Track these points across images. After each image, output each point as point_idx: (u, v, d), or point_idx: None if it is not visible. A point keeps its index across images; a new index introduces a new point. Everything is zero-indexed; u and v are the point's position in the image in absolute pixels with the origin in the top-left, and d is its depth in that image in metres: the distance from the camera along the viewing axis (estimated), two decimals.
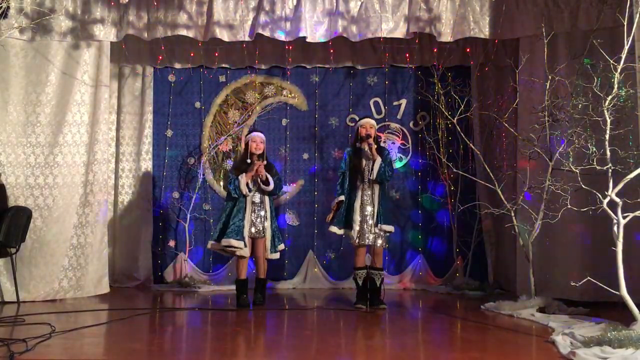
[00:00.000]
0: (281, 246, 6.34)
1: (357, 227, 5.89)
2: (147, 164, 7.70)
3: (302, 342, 4.64)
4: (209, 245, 6.32)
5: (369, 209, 5.93)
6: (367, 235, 5.89)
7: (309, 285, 7.52)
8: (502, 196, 6.19)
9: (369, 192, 5.97)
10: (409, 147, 7.74)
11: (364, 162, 6.00)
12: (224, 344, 4.65)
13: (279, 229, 6.49)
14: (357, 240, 5.91)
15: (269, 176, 6.12)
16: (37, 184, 6.54)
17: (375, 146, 5.99)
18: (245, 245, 6.07)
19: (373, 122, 6.20)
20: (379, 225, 5.89)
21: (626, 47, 4.72)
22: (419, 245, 7.65)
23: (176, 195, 7.76)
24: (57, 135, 6.66)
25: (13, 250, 6.21)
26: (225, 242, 6.03)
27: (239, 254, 6.11)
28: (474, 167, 7.36)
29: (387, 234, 6.04)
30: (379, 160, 5.90)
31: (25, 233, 6.30)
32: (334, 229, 6.03)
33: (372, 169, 5.91)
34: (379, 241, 5.92)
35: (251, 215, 6.13)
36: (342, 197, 6.01)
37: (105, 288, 6.96)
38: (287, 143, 7.82)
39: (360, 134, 6.07)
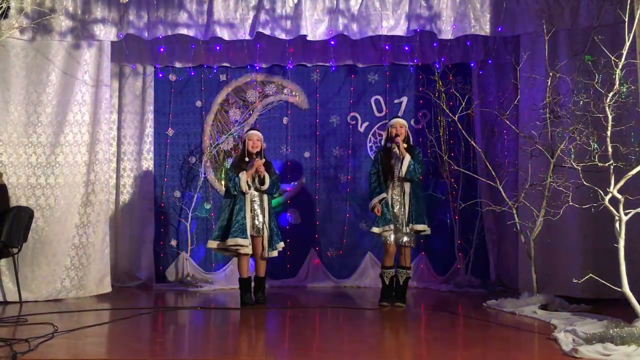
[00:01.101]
0: (281, 244, 6.29)
1: (391, 226, 5.90)
2: (148, 163, 7.70)
3: (304, 341, 4.64)
4: (210, 245, 6.28)
5: (399, 207, 5.94)
6: (399, 234, 5.91)
7: (311, 283, 7.52)
8: (503, 193, 6.19)
9: (400, 191, 5.97)
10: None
11: (393, 161, 6.00)
12: (226, 343, 4.66)
13: (279, 227, 6.47)
14: (388, 239, 5.92)
15: (266, 175, 6.13)
16: (38, 184, 6.54)
17: (406, 145, 5.99)
18: (250, 243, 6.09)
19: (403, 121, 6.17)
20: (410, 225, 5.91)
21: (627, 44, 4.70)
22: (420, 243, 7.62)
23: (177, 194, 7.76)
24: (58, 135, 6.66)
25: (15, 250, 6.21)
26: (232, 241, 6.02)
27: (243, 252, 6.12)
28: (475, 164, 7.36)
29: (418, 234, 6.03)
30: (407, 157, 5.90)
31: (27, 233, 6.31)
32: (376, 229, 5.93)
33: (401, 167, 5.92)
34: (407, 240, 5.92)
35: (250, 213, 6.14)
36: (384, 194, 5.94)
37: (107, 287, 6.97)
38: (288, 142, 7.81)
39: (390, 134, 6.08)
